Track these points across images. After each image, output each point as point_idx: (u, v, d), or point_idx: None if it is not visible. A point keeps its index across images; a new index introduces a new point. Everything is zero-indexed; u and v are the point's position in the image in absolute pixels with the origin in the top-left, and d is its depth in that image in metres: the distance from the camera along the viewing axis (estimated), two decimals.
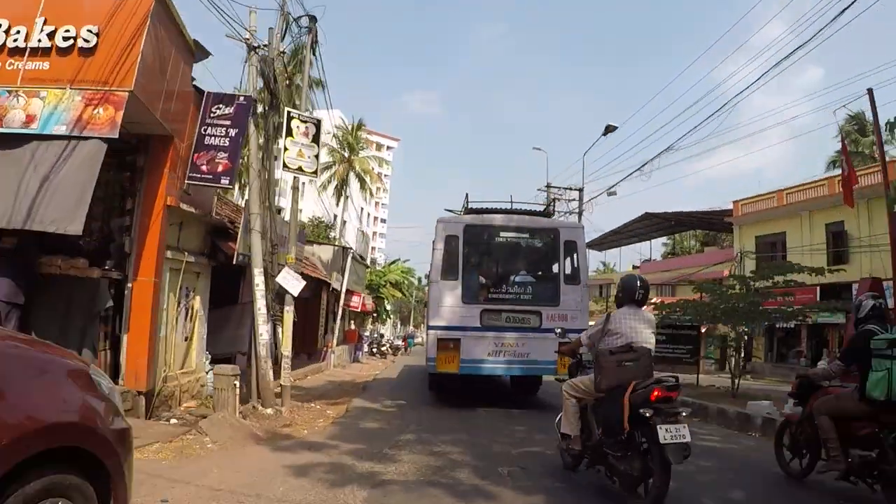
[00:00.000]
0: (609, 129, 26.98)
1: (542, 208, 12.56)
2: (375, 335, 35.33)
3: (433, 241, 10.86)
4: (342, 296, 19.97)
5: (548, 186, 26.93)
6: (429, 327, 11.13)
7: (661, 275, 46.90)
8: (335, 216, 53.85)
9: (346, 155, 51.67)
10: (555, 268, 10.87)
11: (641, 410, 4.32)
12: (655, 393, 4.34)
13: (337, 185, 52.21)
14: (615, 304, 5.52)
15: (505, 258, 11.34)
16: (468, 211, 11.82)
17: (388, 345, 35.94)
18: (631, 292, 5.13)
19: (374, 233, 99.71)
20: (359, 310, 23.04)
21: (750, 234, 34.36)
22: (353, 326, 29.85)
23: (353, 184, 68.66)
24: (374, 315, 36.63)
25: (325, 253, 20.32)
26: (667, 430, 4.14)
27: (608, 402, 4.76)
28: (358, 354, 26.13)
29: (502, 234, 11.15)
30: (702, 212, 42.20)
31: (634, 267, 57.18)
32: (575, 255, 10.78)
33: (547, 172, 34.93)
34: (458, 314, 10.18)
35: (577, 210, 27.93)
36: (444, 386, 11.75)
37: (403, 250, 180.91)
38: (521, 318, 10.29)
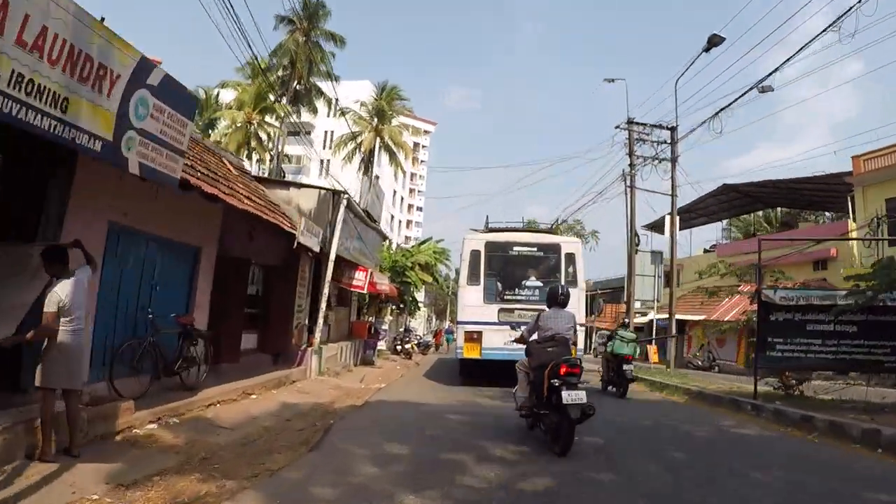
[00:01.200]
0: (713, 42, 19.29)
1: (548, 226, 16.75)
2: (400, 329, 28.26)
3: (460, 254, 13.81)
4: (329, 264, 12.89)
5: (629, 123, 19.40)
6: (457, 322, 13.74)
7: (744, 257, 38.66)
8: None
9: (375, 123, 45.03)
10: (557, 274, 13.12)
11: (553, 381, 6.14)
12: (563, 369, 6.13)
13: (363, 157, 45.63)
14: (546, 306, 7.23)
15: (517, 267, 13.54)
16: (489, 229, 14.68)
17: (416, 341, 28.94)
18: (554, 297, 7.12)
19: (410, 221, 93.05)
20: (364, 290, 15.91)
21: (878, 197, 26.47)
22: (368, 318, 22.85)
23: (382, 158, 62.37)
24: (400, 305, 29.70)
25: (306, 199, 13.31)
26: (568, 394, 5.91)
27: (536, 376, 6.59)
28: (369, 354, 19.13)
29: (515, 248, 13.64)
30: (794, 179, 34.22)
31: (706, 250, 48.77)
32: (574, 264, 13.22)
33: (627, 106, 27.72)
34: (480, 312, 12.64)
35: (667, 157, 20.34)
36: (472, 372, 13.69)
37: (439, 231, 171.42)
38: (530, 314, 11.49)
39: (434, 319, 63.44)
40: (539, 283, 12.94)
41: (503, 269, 13.53)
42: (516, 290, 13.01)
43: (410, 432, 7.09)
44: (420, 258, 29.37)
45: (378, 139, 44.99)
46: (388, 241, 21.60)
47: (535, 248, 13.62)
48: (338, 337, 17.60)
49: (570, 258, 13.20)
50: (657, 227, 48.75)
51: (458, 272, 17.84)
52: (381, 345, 22.69)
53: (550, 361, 6.31)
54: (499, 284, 13.22)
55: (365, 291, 16.42)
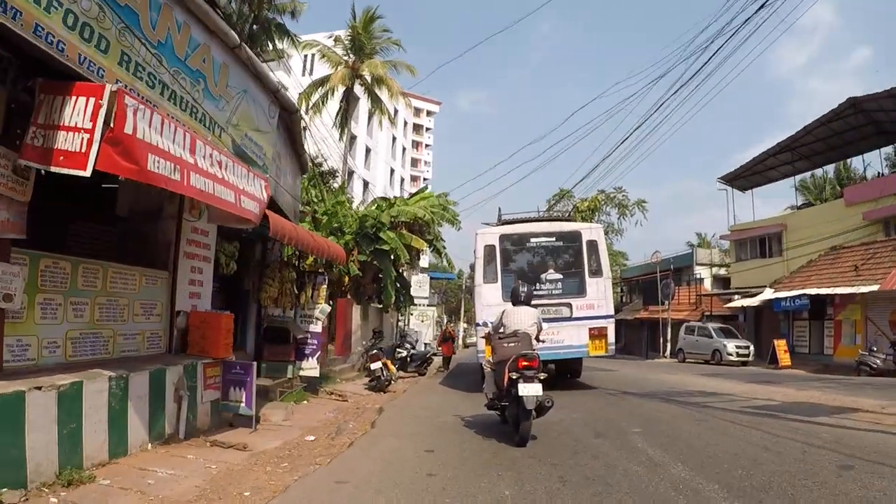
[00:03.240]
0: None
1: (567, 213, 15.80)
2: (369, 338, 15.73)
3: (474, 251, 12.80)
4: None
5: None
6: (476, 325, 12.57)
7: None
8: (346, 170, 34.56)
9: (351, 59, 33.30)
10: (580, 264, 12.18)
11: (511, 374, 6.43)
12: (521, 363, 6.44)
13: (340, 108, 33.81)
14: (511, 303, 7.66)
15: (536, 260, 12.60)
16: (501, 222, 13.41)
17: (405, 353, 16.92)
18: (517, 296, 7.54)
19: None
20: (85, 170, 3.71)
21: None
22: (269, 303, 10.53)
23: (374, 127, 50.96)
24: (372, 290, 17.55)
25: None
26: (524, 386, 6.22)
27: (498, 370, 6.84)
28: (236, 402, 6.95)
29: (532, 239, 12.56)
30: None
31: (800, 206, 35.69)
32: (596, 252, 12.16)
33: None
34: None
35: None
36: None
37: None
38: (555, 309, 11.62)
39: (445, 321, 51.04)
40: (560, 276, 12.19)
41: (521, 263, 12.71)
42: (536, 284, 11.65)
43: None
44: (409, 211, 17.32)
45: (356, 78, 33.10)
46: (298, 113, 9.01)
47: (553, 238, 12.71)
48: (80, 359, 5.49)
49: (593, 246, 12.31)
50: (742, 176, 36.16)
51: (472, 269, 15.37)
52: (312, 364, 10.53)
53: (511, 356, 6.59)
54: (518, 281, 10.43)
55: (83, 174, 4.14)
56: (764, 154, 31.95)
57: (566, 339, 11.34)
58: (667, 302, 31.62)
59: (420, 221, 18.21)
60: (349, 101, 34.27)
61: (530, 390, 6.19)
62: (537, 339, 7.26)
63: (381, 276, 17.69)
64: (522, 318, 7.20)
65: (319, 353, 10.64)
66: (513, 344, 6.78)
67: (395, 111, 64.44)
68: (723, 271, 37.91)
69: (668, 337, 30.57)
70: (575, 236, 12.48)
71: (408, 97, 74.13)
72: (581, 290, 11.90)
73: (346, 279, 17.96)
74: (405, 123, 65.81)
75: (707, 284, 37.48)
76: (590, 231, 12.68)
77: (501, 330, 7.25)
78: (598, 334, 11.63)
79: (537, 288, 11.48)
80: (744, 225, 34.02)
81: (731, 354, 23.59)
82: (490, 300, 11.58)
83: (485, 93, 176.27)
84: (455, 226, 20.76)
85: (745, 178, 34.94)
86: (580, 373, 13.80)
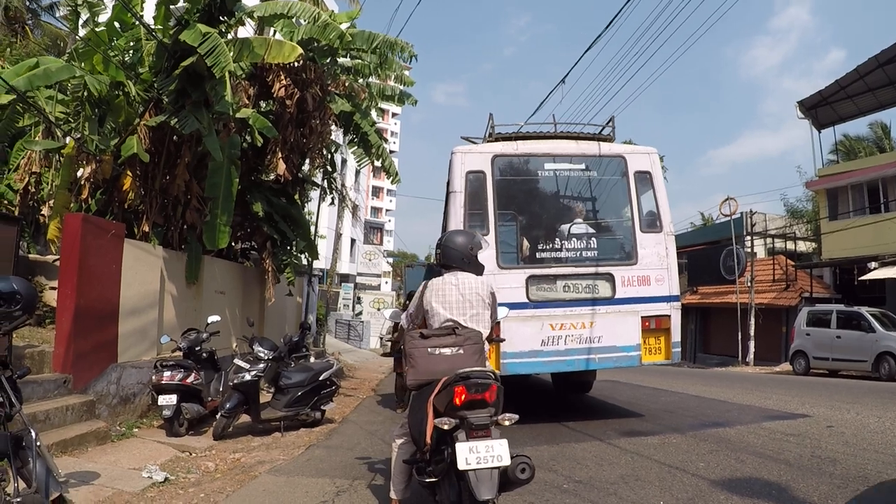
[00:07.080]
0: None
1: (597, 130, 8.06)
2: None
3: (448, 183, 7.46)
4: None
5: None
6: None
7: None
8: None
9: None
10: (625, 211, 7.52)
11: (438, 421, 2.87)
12: (460, 394, 2.86)
13: None
14: (439, 266, 3.68)
15: (554, 201, 7.79)
16: (495, 138, 7.84)
17: (245, 380, 6.52)
18: (457, 254, 3.50)
19: (381, 230, 68.69)
20: None
21: None
22: None
23: None
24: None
25: None
26: (469, 448, 2.75)
27: (416, 405, 3.23)
28: None
29: (547, 166, 7.55)
30: None
31: None
32: (651, 191, 7.49)
33: None
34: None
35: None
36: None
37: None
38: (586, 284, 7.13)
39: (397, 297, 39.45)
40: (594, 229, 7.35)
41: (529, 204, 7.61)
42: (556, 241, 7.22)
43: None
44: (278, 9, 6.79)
45: None
46: None
47: (582, 166, 7.57)
48: None
49: (644, 179, 7.41)
50: (829, 101, 25.86)
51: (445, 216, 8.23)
52: None
53: (441, 376, 3.01)
54: (522, 236, 7.29)
55: None
56: (872, 62, 21.66)
57: (605, 334, 6.80)
58: (746, 278, 21.13)
59: (312, 52, 7.66)
60: None
61: (483, 455, 2.71)
62: (490, 339, 3.52)
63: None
64: (463, 297, 3.38)
65: None
66: (447, 350, 3.14)
67: None
68: (777, 243, 28.15)
69: (753, 332, 20.02)
70: (617, 164, 7.48)
71: None
72: (628, 254, 7.22)
73: (126, 181, 7.18)
74: None
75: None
76: (638, 157, 7.48)
77: (432, 322, 3.41)
78: (655, 327, 6.93)
79: (555, 246, 7.10)
80: (843, 167, 23.84)
81: None
82: None
83: (460, 86, 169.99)
84: (408, 99, 10.48)
85: (832, 104, 24.73)
86: (591, 385, 9.40)
